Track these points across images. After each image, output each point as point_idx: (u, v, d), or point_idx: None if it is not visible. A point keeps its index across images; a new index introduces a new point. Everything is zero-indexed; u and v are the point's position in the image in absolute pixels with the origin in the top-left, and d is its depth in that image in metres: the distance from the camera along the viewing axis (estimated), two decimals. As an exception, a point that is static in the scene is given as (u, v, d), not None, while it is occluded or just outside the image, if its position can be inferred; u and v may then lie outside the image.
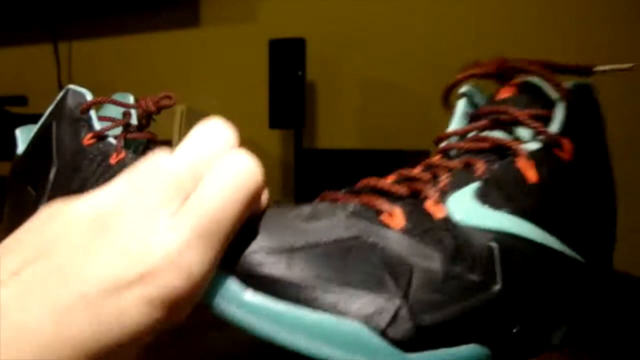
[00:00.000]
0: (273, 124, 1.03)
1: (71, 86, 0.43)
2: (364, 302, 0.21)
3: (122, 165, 0.41)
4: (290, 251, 0.22)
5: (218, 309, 0.21)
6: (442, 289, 0.23)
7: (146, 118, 0.45)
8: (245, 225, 0.22)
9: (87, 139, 0.41)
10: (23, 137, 0.46)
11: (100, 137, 0.41)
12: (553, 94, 0.29)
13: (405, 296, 0.22)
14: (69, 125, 0.42)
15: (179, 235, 0.18)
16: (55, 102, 0.43)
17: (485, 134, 0.30)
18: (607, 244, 0.31)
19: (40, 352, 0.15)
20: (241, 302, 0.21)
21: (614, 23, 0.88)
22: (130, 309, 0.17)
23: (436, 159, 0.30)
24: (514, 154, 0.27)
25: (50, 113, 0.43)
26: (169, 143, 0.94)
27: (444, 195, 0.25)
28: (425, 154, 0.35)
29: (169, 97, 0.43)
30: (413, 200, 0.25)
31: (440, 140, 0.31)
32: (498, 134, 0.29)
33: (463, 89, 0.33)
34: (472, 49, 0.96)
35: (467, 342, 0.23)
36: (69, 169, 0.41)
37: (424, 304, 0.22)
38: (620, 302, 0.36)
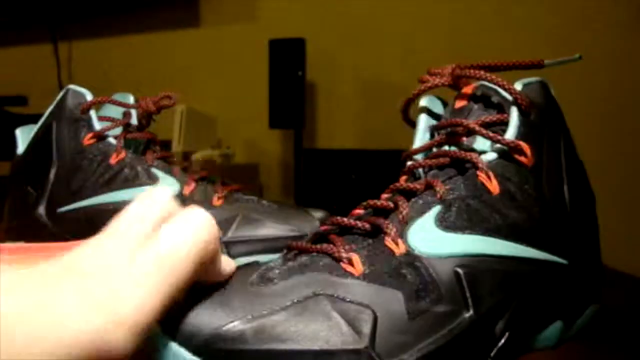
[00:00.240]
0: (273, 124, 1.03)
1: (71, 86, 0.43)
2: (327, 359, 0.21)
3: (122, 165, 0.41)
4: (250, 320, 0.21)
5: None
6: (409, 329, 0.22)
7: (146, 118, 0.45)
8: (201, 294, 0.22)
9: (87, 139, 0.41)
10: (23, 137, 0.46)
11: (100, 137, 0.41)
12: (507, 95, 0.29)
13: (372, 344, 0.21)
14: (69, 125, 0.42)
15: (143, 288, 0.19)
16: (55, 102, 0.43)
17: (444, 148, 0.29)
18: (590, 240, 0.30)
19: None
20: None
21: (614, 22, 0.88)
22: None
23: (402, 180, 0.29)
24: (474, 166, 0.27)
25: (50, 113, 0.43)
26: (169, 143, 0.94)
27: (404, 228, 0.25)
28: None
29: (169, 97, 0.43)
30: (373, 240, 0.25)
31: (408, 157, 0.31)
32: (456, 148, 0.29)
33: (422, 102, 0.32)
34: (472, 49, 0.96)
35: None
36: (69, 169, 0.41)
37: (391, 348, 0.22)
38: (620, 302, 0.36)
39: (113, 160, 0.41)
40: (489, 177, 0.26)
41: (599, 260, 0.31)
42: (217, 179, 0.44)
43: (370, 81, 1.09)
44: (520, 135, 0.27)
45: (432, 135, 0.31)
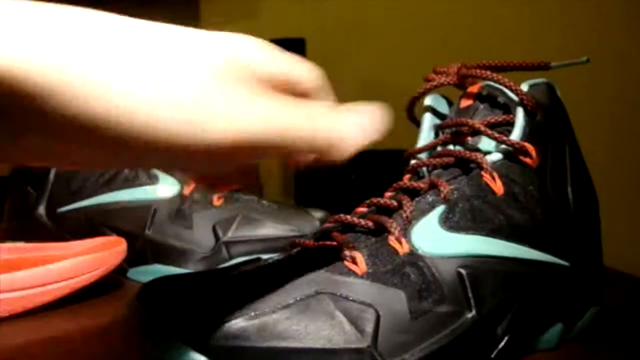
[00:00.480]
0: (273, 124, 1.03)
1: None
2: (329, 357, 0.21)
3: (122, 165, 0.41)
4: (252, 318, 0.21)
5: None
6: (411, 329, 0.22)
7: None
8: (202, 291, 0.22)
9: (87, 139, 0.41)
10: (23, 136, 0.46)
11: (101, 136, 0.41)
12: (513, 96, 0.29)
13: (374, 343, 0.21)
14: (69, 124, 0.42)
15: None
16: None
17: (449, 148, 0.29)
18: (592, 242, 0.30)
19: None
20: None
21: (612, 22, 0.88)
22: None
23: (406, 179, 0.29)
24: (478, 166, 0.27)
25: (51, 112, 0.43)
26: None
27: (407, 227, 0.25)
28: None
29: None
30: (377, 239, 0.25)
31: (411, 155, 0.30)
32: (461, 148, 0.29)
33: (427, 100, 0.32)
34: (472, 49, 0.96)
35: None
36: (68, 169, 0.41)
37: (393, 347, 0.22)
38: (621, 303, 0.36)
39: (113, 159, 0.41)
40: (493, 178, 0.26)
41: (601, 262, 0.31)
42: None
43: (370, 81, 1.09)
44: (526, 136, 0.27)
45: (436, 134, 0.31)
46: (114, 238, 0.40)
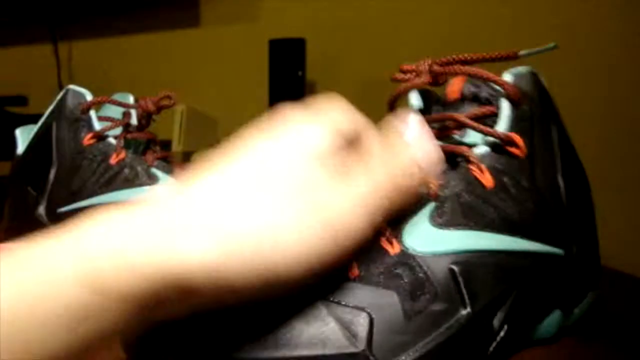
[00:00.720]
0: (273, 124, 1.03)
1: (71, 86, 0.43)
2: None
3: (122, 166, 0.41)
4: (246, 326, 0.21)
5: None
6: (406, 330, 0.22)
7: (146, 118, 0.45)
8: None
9: (87, 139, 0.41)
10: (23, 137, 0.46)
11: (100, 137, 0.41)
12: (498, 87, 0.28)
13: (369, 347, 0.21)
14: (69, 125, 0.42)
15: None
16: (55, 102, 0.43)
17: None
18: (587, 227, 0.30)
19: None
20: None
21: (612, 21, 0.88)
22: None
23: None
24: (466, 160, 0.26)
25: (50, 113, 0.43)
26: (169, 143, 0.94)
27: (398, 227, 0.25)
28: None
29: (169, 97, 0.43)
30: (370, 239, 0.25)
31: None
32: (448, 142, 0.28)
33: (412, 97, 0.31)
34: (473, 49, 0.96)
35: None
36: (69, 169, 0.41)
37: (389, 349, 0.22)
38: (620, 302, 0.36)
39: (113, 160, 0.41)
40: (481, 171, 0.26)
41: (596, 247, 0.31)
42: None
43: (370, 81, 1.09)
44: (512, 126, 0.27)
45: None
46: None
